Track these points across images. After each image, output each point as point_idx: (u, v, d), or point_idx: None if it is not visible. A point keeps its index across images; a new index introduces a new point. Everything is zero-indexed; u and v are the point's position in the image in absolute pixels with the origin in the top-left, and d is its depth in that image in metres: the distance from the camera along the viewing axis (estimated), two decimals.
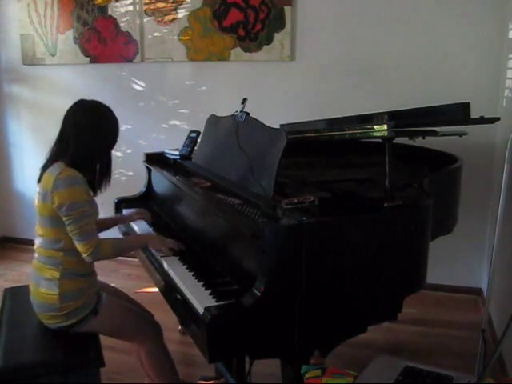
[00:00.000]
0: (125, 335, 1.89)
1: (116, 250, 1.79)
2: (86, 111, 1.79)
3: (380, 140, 1.74)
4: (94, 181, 1.82)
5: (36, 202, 1.76)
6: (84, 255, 1.69)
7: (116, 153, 3.68)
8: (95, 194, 1.84)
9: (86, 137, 1.75)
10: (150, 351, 1.88)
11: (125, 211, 2.52)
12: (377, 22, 3.05)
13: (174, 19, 3.42)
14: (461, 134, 2.02)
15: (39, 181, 1.76)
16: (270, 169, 1.65)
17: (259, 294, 1.35)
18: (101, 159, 1.83)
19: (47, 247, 1.75)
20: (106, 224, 2.13)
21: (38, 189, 1.76)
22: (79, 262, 1.73)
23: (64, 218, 1.67)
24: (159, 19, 3.46)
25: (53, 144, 1.81)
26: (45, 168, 1.76)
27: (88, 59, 3.68)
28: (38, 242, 1.80)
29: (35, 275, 1.79)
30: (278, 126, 2.08)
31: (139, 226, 2.24)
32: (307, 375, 1.26)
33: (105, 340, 1.83)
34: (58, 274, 1.72)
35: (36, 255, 1.81)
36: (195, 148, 2.43)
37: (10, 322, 1.86)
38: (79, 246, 1.68)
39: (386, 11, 3.03)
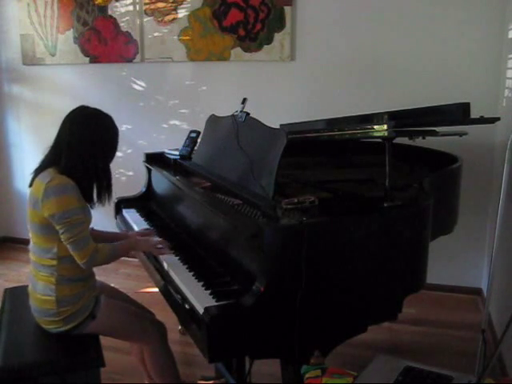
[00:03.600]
0: (126, 336, 1.88)
1: (111, 256, 1.76)
2: (83, 119, 1.75)
3: (380, 140, 1.74)
4: (91, 193, 1.77)
5: (27, 208, 1.73)
6: (80, 263, 1.67)
7: (116, 153, 3.69)
8: (92, 206, 1.79)
9: (81, 146, 1.70)
10: (154, 351, 1.87)
11: (125, 213, 2.52)
12: (377, 21, 3.06)
13: (173, 19, 3.42)
14: (461, 134, 2.02)
15: (30, 185, 1.73)
16: (270, 169, 1.65)
17: (259, 293, 1.35)
18: (97, 171, 1.76)
19: (40, 255, 1.73)
20: (107, 238, 2.06)
21: (28, 194, 1.72)
22: (74, 268, 1.71)
23: (57, 227, 1.64)
24: (159, 19, 3.46)
25: (49, 148, 1.77)
26: (37, 172, 1.73)
27: (88, 59, 3.68)
28: (31, 248, 1.78)
29: (32, 279, 1.78)
30: (278, 126, 2.08)
31: (139, 226, 2.25)
32: (307, 375, 1.25)
33: (105, 340, 1.83)
34: (53, 280, 1.71)
35: (31, 262, 1.78)
36: (195, 148, 2.43)
37: (10, 322, 1.86)
38: (75, 255, 1.66)
39: (386, 11, 3.03)
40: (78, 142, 1.71)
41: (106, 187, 1.81)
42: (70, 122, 1.74)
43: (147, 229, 2.18)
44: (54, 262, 1.71)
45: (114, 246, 1.79)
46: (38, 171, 1.73)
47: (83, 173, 1.72)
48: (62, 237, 1.65)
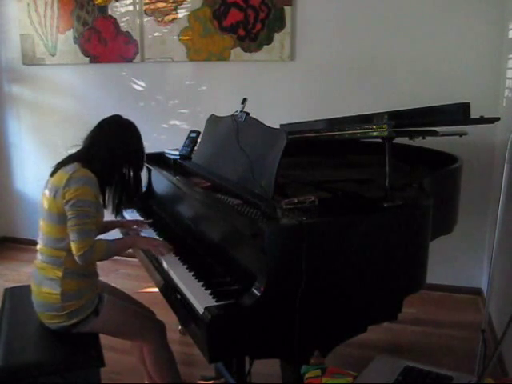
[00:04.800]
0: (127, 335, 1.89)
1: (108, 252, 1.78)
2: (122, 126, 1.86)
3: (380, 140, 1.74)
4: (116, 198, 1.86)
5: (44, 199, 1.76)
6: (76, 255, 1.68)
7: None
8: (111, 211, 1.88)
9: (121, 153, 1.80)
10: (154, 350, 1.88)
11: (125, 213, 2.52)
12: (377, 21, 3.06)
13: (174, 19, 3.42)
14: (461, 134, 2.02)
15: (52, 175, 1.77)
16: (270, 169, 1.65)
17: (259, 293, 1.35)
18: (129, 179, 1.86)
19: (50, 246, 1.76)
20: (105, 228, 2.10)
21: (48, 185, 1.76)
22: None
23: (68, 213, 1.68)
24: (159, 19, 3.46)
25: (78, 148, 1.83)
26: (61, 165, 1.77)
27: (88, 59, 3.67)
28: (41, 241, 1.80)
29: (38, 275, 1.79)
30: (278, 126, 2.08)
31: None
32: (307, 375, 1.25)
33: (105, 340, 1.83)
34: (60, 274, 1.73)
35: (38, 255, 1.81)
36: (195, 148, 2.43)
37: (11, 321, 1.86)
38: (73, 244, 1.68)
39: (385, 11, 3.03)
40: (119, 150, 1.81)
41: (134, 192, 1.90)
42: (108, 129, 1.84)
43: (138, 220, 2.25)
44: (63, 254, 1.73)
45: (111, 244, 1.81)
46: (63, 164, 1.77)
47: (112, 174, 1.81)
48: (68, 223, 1.68)
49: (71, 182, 1.68)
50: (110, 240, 1.82)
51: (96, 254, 1.72)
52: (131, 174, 1.87)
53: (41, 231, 1.81)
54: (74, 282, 1.74)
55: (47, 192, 1.75)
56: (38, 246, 1.82)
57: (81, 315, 1.74)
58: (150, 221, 2.25)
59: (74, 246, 1.68)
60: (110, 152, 1.79)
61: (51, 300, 1.73)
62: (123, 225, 2.25)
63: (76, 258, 1.69)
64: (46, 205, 1.76)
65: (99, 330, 1.80)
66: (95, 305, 1.77)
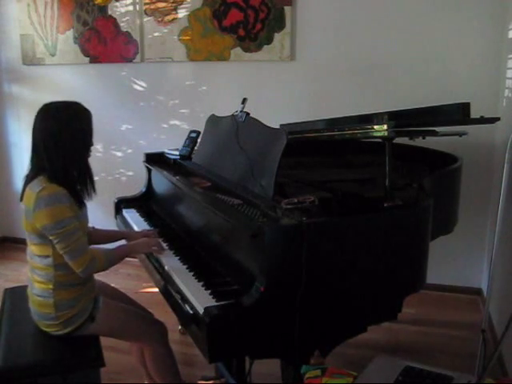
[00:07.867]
0: (126, 336, 1.88)
1: (109, 261, 1.73)
2: (50, 115, 1.67)
3: (380, 140, 1.74)
4: (76, 191, 1.71)
5: (23, 217, 1.69)
6: (77, 271, 1.65)
7: (116, 153, 3.68)
8: (81, 206, 1.72)
9: (55, 144, 1.63)
10: (155, 351, 1.87)
11: (125, 213, 2.52)
12: (377, 22, 3.05)
13: (174, 19, 3.42)
14: (461, 134, 2.03)
15: (21, 198, 1.69)
16: (270, 169, 1.65)
17: (259, 294, 1.35)
18: (77, 166, 1.71)
19: (36, 261, 1.72)
20: (111, 237, 2.08)
21: (22, 205, 1.69)
22: (71, 274, 1.68)
23: (51, 237, 1.62)
24: (159, 19, 3.46)
25: (30, 155, 1.70)
26: (26, 183, 1.68)
27: (88, 59, 3.67)
28: (28, 253, 1.76)
29: (30, 284, 1.77)
30: (278, 126, 2.08)
31: (139, 226, 2.25)
32: (307, 375, 1.26)
33: (105, 340, 1.83)
34: (51, 286, 1.70)
35: (29, 266, 1.77)
36: (195, 148, 2.43)
37: (10, 322, 1.86)
38: (72, 264, 1.64)
39: (385, 11, 3.03)
40: (51, 140, 1.64)
41: (86, 181, 1.75)
42: (38, 122, 1.68)
43: (144, 231, 2.14)
44: (51, 269, 1.69)
45: (111, 253, 1.77)
46: (28, 181, 1.68)
47: (67, 171, 1.67)
48: (57, 246, 1.63)
49: (40, 203, 1.58)
50: (107, 249, 1.77)
51: (96, 266, 1.68)
52: (80, 158, 1.71)
53: (28, 244, 1.75)
54: (66, 292, 1.71)
55: (23, 211, 1.67)
56: (27, 257, 1.76)
57: (76, 323, 1.72)
58: (156, 230, 2.14)
59: (73, 266, 1.65)
60: (52, 146, 1.63)
61: (45, 309, 1.71)
62: (130, 236, 2.12)
63: (79, 273, 1.66)
64: (23, 224, 1.69)
65: (98, 333, 1.79)
66: (90, 310, 1.74)
